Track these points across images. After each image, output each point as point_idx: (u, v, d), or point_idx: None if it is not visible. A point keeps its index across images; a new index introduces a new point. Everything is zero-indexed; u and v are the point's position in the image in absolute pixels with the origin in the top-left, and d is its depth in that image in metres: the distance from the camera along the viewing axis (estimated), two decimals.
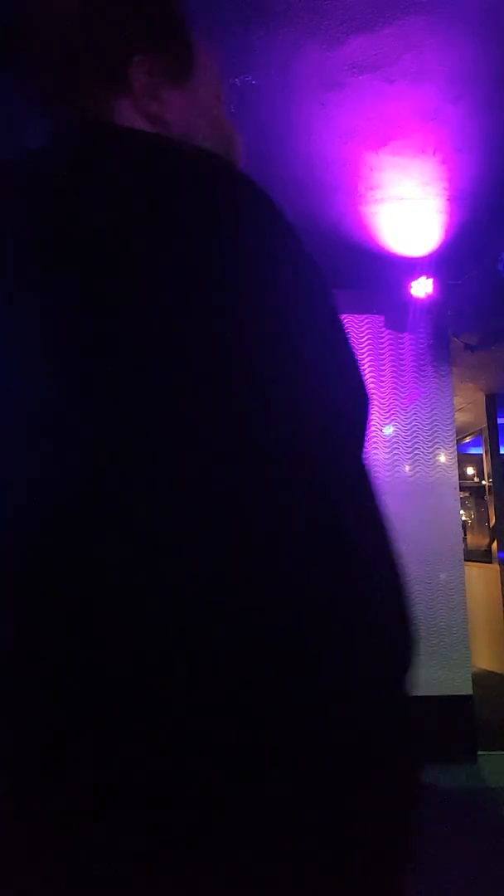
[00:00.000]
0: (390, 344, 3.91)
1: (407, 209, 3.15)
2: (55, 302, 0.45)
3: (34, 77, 0.60)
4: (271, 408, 0.44)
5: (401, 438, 3.80)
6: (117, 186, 0.46)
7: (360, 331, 3.90)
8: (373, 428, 3.82)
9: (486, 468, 6.15)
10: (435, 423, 3.84)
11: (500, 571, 5.37)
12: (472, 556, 6.09)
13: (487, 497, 6.27)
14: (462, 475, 7.42)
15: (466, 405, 5.92)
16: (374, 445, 3.77)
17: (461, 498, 6.24)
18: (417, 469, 3.78)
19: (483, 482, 7.02)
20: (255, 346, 0.44)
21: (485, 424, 5.97)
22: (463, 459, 7.49)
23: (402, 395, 3.86)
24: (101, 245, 0.44)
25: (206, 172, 0.48)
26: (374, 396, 3.85)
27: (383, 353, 3.90)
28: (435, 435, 3.83)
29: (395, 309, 3.71)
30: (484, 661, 5.37)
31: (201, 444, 0.42)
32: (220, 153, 0.56)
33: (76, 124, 0.58)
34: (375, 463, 3.73)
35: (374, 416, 3.83)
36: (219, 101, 0.66)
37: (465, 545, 6.66)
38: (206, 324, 0.43)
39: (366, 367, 3.87)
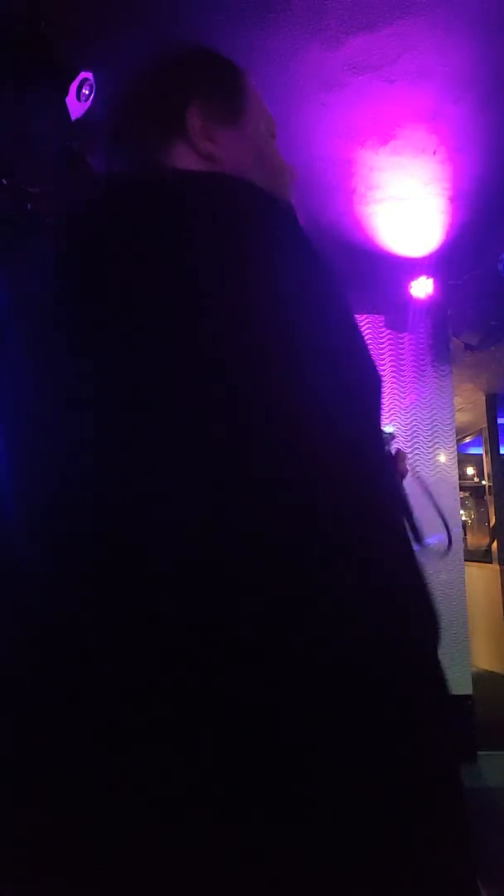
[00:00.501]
0: (390, 344, 3.91)
1: (407, 209, 3.15)
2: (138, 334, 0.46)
3: (106, 121, 0.69)
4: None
5: (401, 438, 3.80)
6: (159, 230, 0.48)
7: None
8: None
9: (486, 468, 6.15)
10: (435, 423, 3.84)
11: (500, 571, 5.38)
12: (472, 556, 6.10)
13: (487, 497, 6.27)
14: (462, 475, 7.42)
15: (466, 405, 5.92)
16: None
17: (461, 498, 6.24)
18: (417, 469, 3.78)
19: (483, 482, 7.02)
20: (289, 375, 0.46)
21: (485, 424, 5.97)
22: (463, 459, 7.50)
23: (402, 395, 3.86)
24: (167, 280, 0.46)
25: (246, 209, 0.51)
26: None
27: (383, 353, 3.90)
28: (435, 435, 3.83)
29: (395, 309, 3.71)
30: (484, 661, 5.37)
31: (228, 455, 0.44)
32: (268, 186, 0.63)
33: (135, 166, 0.66)
34: None
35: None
36: (270, 136, 0.73)
37: (465, 545, 6.67)
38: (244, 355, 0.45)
39: None
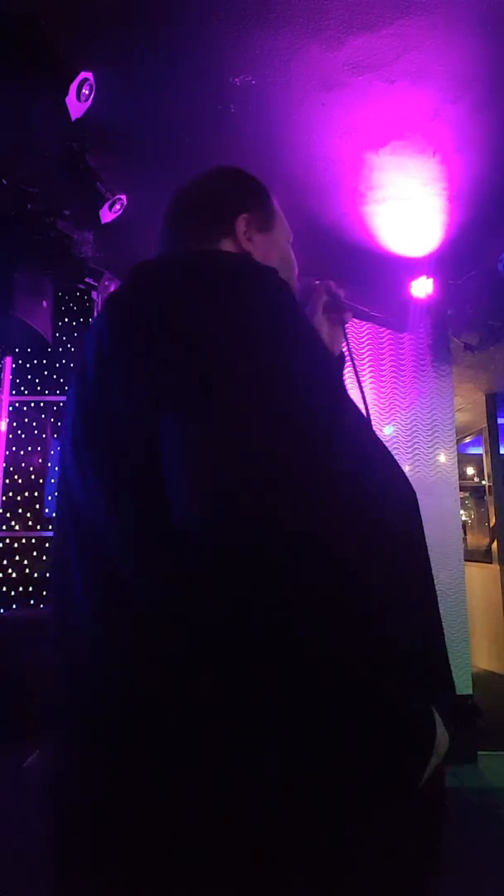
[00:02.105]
0: (390, 344, 3.91)
1: (407, 209, 3.15)
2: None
3: (171, 227, 0.92)
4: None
5: (401, 438, 3.80)
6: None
7: (361, 331, 3.89)
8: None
9: (486, 468, 6.14)
10: (435, 423, 3.84)
11: (500, 571, 5.37)
12: (472, 556, 6.09)
13: (487, 497, 6.26)
14: (462, 475, 7.42)
15: (466, 405, 5.92)
16: None
17: (461, 498, 6.24)
18: (417, 469, 3.78)
19: (483, 482, 7.02)
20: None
21: (485, 424, 5.96)
22: (463, 459, 7.49)
23: (402, 395, 3.86)
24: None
25: (261, 282, 0.70)
26: (375, 396, 3.85)
27: (383, 353, 3.90)
28: (435, 435, 3.83)
29: (395, 309, 3.70)
30: (484, 661, 5.36)
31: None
32: (285, 275, 0.82)
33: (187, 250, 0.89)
34: None
35: (375, 416, 3.83)
36: (287, 242, 0.97)
37: (465, 545, 6.66)
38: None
39: (366, 367, 3.87)
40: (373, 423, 0.84)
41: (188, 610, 0.57)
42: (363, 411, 0.78)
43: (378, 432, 0.88)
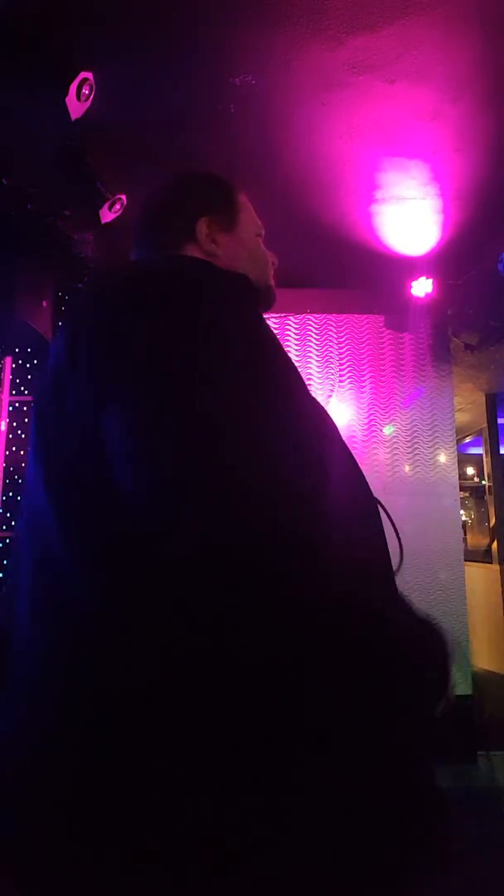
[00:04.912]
0: (390, 344, 3.91)
1: (407, 209, 3.15)
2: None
3: (136, 237, 0.93)
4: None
5: (401, 438, 3.80)
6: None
7: (361, 331, 3.89)
8: (373, 428, 3.82)
9: (486, 468, 6.14)
10: (435, 423, 3.84)
11: (500, 571, 5.37)
12: (472, 556, 6.09)
13: (487, 497, 6.27)
14: (462, 475, 7.42)
15: (466, 405, 5.92)
16: (374, 445, 3.77)
17: (461, 498, 6.24)
18: (417, 469, 3.77)
19: (483, 482, 7.02)
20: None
21: (485, 424, 5.96)
22: (463, 459, 7.49)
23: (402, 395, 3.86)
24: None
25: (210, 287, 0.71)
26: (375, 396, 3.85)
27: (383, 353, 3.90)
28: (435, 435, 3.83)
29: (395, 309, 3.70)
30: (484, 661, 5.37)
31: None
32: (255, 272, 0.88)
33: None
34: (376, 463, 3.73)
35: (375, 416, 3.83)
36: (257, 237, 0.96)
37: (465, 545, 6.65)
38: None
39: (366, 366, 3.87)
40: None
41: (134, 612, 0.57)
42: (320, 408, 0.76)
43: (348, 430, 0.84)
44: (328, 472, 0.65)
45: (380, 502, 0.78)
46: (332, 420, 0.75)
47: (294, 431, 0.63)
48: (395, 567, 0.74)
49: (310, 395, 0.73)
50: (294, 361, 0.73)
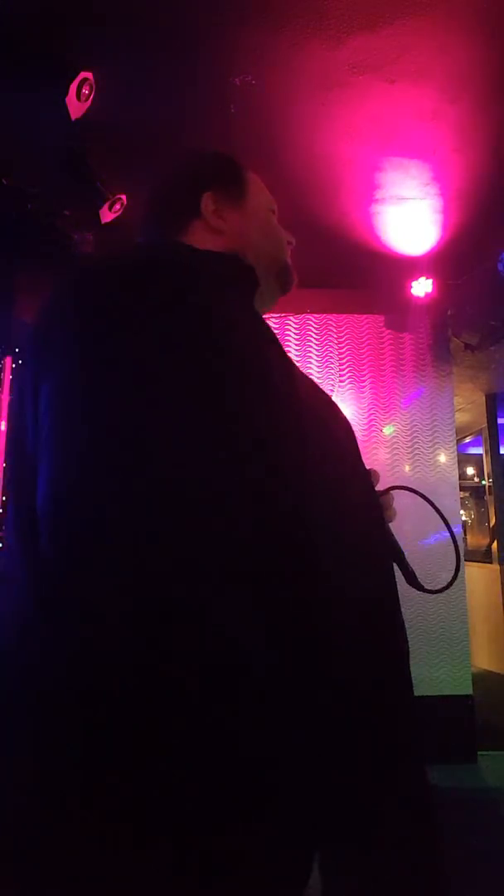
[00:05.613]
0: (390, 344, 3.90)
1: (407, 209, 3.15)
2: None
3: (142, 223, 0.90)
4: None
5: (401, 438, 3.80)
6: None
7: (361, 331, 3.89)
8: (373, 428, 3.82)
9: (486, 468, 6.15)
10: (435, 423, 3.84)
11: (501, 571, 5.37)
12: (472, 556, 6.09)
13: (487, 497, 6.27)
14: (462, 475, 7.42)
15: (466, 405, 5.92)
16: (374, 445, 3.77)
17: (461, 498, 6.24)
18: (417, 469, 3.77)
19: (483, 482, 7.02)
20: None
21: (485, 424, 5.96)
22: (463, 459, 7.49)
23: (402, 395, 3.86)
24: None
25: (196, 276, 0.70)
26: (375, 396, 3.85)
27: (383, 353, 3.90)
28: (435, 435, 3.83)
29: (395, 309, 3.70)
30: (484, 661, 5.37)
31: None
32: (268, 250, 0.87)
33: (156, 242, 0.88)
34: (376, 463, 3.73)
35: (375, 416, 3.83)
36: (270, 212, 0.92)
37: (465, 545, 6.66)
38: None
39: (366, 366, 3.87)
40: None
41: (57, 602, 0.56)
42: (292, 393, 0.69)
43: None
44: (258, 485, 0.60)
45: (413, 489, 0.89)
46: (316, 423, 0.70)
47: (225, 443, 0.59)
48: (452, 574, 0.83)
49: (285, 400, 0.67)
50: (295, 360, 0.71)
